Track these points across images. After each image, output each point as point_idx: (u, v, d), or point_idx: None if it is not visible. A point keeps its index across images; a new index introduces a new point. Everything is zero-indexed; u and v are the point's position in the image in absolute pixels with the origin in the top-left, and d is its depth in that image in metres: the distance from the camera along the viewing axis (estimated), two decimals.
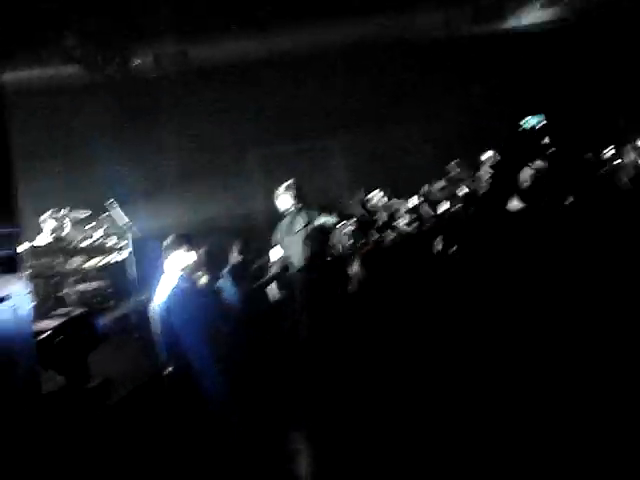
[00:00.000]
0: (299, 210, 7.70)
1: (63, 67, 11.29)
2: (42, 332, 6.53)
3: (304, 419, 5.59)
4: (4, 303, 4.90)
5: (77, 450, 5.12)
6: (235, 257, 8.41)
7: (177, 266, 5.94)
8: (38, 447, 4.86)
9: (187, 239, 6.13)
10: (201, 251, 6.76)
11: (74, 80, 11.59)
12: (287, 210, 7.79)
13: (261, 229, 12.36)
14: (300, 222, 7.61)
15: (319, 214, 7.63)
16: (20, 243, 5.71)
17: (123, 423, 5.82)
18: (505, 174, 8.62)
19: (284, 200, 7.80)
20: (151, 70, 12.28)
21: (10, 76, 6.66)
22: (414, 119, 13.29)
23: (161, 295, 5.85)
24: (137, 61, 11.93)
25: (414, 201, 10.06)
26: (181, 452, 5.18)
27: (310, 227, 7.50)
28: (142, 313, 8.57)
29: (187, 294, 5.82)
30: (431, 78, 13.04)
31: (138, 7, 10.69)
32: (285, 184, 7.86)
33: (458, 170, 10.53)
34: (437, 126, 13.20)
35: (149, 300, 7.41)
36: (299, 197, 7.77)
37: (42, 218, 9.82)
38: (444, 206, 9.68)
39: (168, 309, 5.71)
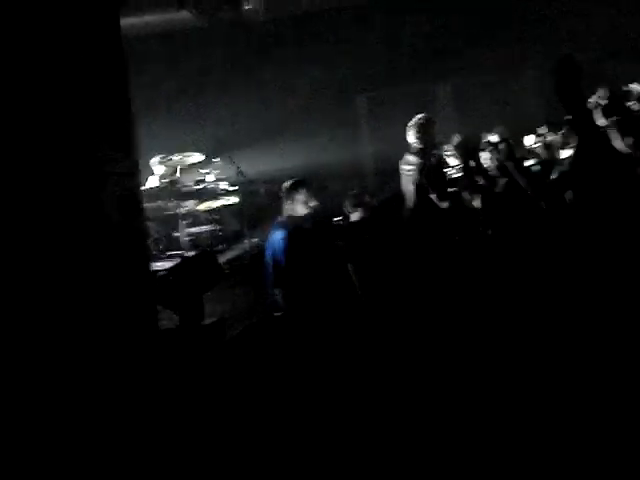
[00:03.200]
0: (416, 151, 7.21)
1: (175, 12, 11.38)
2: (158, 272, 6.73)
3: None
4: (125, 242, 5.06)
5: (191, 385, 5.26)
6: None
7: (295, 210, 5.96)
8: (154, 381, 5.04)
9: (306, 184, 6.12)
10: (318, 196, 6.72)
11: (186, 25, 11.71)
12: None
13: (368, 174, 12.34)
14: (408, 163, 7.24)
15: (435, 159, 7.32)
16: (140, 185, 5.86)
17: (235, 360, 5.95)
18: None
19: (408, 137, 7.27)
20: (261, 14, 12.27)
21: (125, 21, 6.78)
22: (529, 63, 12.86)
23: (276, 238, 5.89)
24: (247, 5, 11.93)
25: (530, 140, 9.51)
26: (287, 390, 5.24)
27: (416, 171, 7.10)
28: (253, 256, 8.74)
29: (303, 238, 5.83)
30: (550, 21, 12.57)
31: None
32: (414, 119, 7.32)
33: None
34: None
35: (260, 243, 7.52)
36: (422, 135, 7.20)
37: (152, 161, 10.03)
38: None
39: (282, 252, 5.75)
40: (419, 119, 7.29)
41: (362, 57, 12.91)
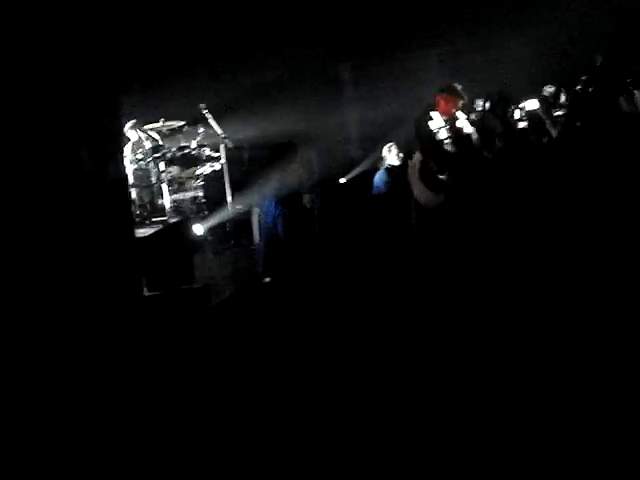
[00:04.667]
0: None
1: None
2: (141, 238, 6.70)
3: None
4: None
5: (174, 349, 5.25)
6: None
7: (281, 176, 5.92)
8: (139, 344, 5.04)
9: (291, 147, 6.08)
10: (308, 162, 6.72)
11: None
12: None
13: (354, 140, 12.30)
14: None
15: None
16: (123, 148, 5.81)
17: (220, 325, 5.94)
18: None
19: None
20: None
21: None
22: (515, 33, 12.82)
23: (264, 205, 5.87)
24: None
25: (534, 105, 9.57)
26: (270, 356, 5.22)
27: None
28: (238, 222, 8.72)
29: (292, 205, 5.81)
30: None
31: None
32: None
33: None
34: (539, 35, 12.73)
35: (244, 210, 7.50)
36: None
37: (128, 126, 9.90)
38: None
39: (270, 219, 5.74)
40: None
41: (348, 22, 12.81)
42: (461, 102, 7.64)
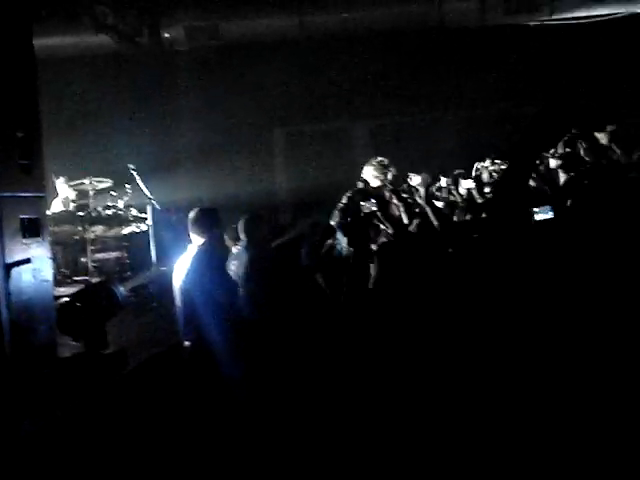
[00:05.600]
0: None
1: (93, 35, 11.26)
2: (60, 298, 6.56)
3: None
4: (26, 266, 4.92)
5: (88, 416, 5.14)
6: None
7: (200, 240, 5.90)
8: (51, 409, 4.90)
9: (212, 213, 6.08)
10: (232, 226, 6.72)
11: (103, 49, 11.59)
12: None
13: (285, 207, 12.38)
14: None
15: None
16: (45, 208, 5.73)
17: (135, 392, 5.83)
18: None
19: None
20: (181, 42, 12.25)
21: (39, 42, 6.67)
22: (442, 105, 13.21)
23: (183, 267, 5.83)
24: (167, 33, 11.90)
25: (468, 184, 9.76)
26: (190, 423, 5.16)
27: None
28: (161, 284, 8.62)
29: (210, 268, 5.78)
30: (457, 65, 12.95)
31: None
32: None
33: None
34: (466, 113, 13.16)
35: (168, 272, 7.43)
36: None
37: (58, 182, 9.82)
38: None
39: (189, 282, 5.69)
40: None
41: (282, 91, 13.01)
42: (390, 175, 7.86)
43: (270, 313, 6.61)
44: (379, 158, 8.01)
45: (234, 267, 6.81)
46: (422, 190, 8.22)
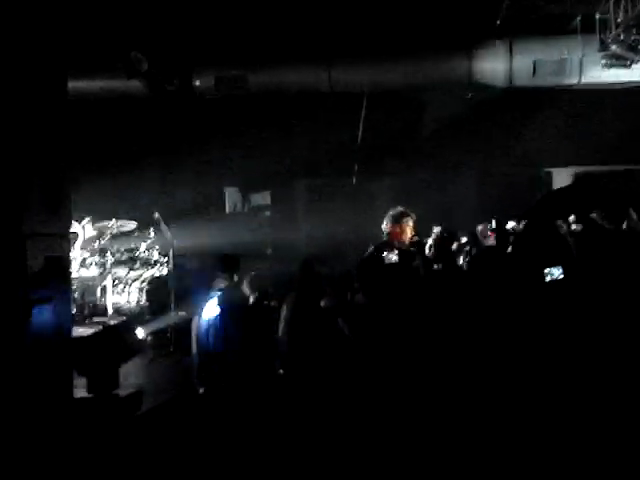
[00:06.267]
0: None
1: (125, 80, 11.44)
2: (78, 338, 6.58)
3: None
4: (48, 304, 4.95)
5: (100, 456, 5.11)
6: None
7: (222, 286, 5.93)
8: (64, 449, 4.88)
9: (235, 261, 6.13)
10: (251, 274, 6.74)
11: (135, 94, 11.75)
12: None
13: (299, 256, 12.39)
14: None
15: None
16: (69, 248, 5.79)
17: (148, 435, 5.81)
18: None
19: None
20: (210, 91, 12.39)
21: (73, 84, 6.82)
22: (461, 166, 13.30)
23: (204, 313, 5.85)
24: (197, 81, 12.06)
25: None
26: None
27: None
28: (179, 329, 8.64)
29: (231, 315, 5.80)
30: (480, 125, 13.04)
31: (205, 28, 10.85)
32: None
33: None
34: (486, 172, 13.25)
35: (188, 316, 7.46)
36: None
37: (83, 224, 9.90)
38: None
39: (209, 328, 5.71)
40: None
41: (306, 144, 13.11)
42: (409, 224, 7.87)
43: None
44: (398, 208, 7.99)
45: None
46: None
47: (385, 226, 7.87)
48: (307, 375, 6.29)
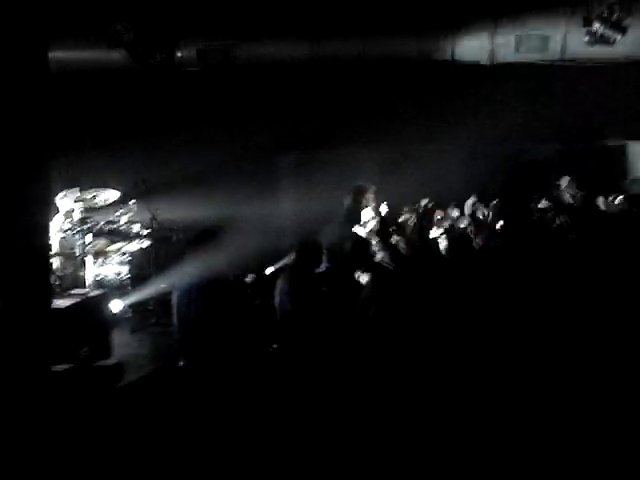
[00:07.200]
0: None
1: (107, 51, 11.33)
2: (57, 309, 6.56)
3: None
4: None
5: (80, 429, 5.12)
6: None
7: (202, 259, 5.91)
8: (43, 422, 4.87)
9: (215, 234, 6.10)
10: (231, 247, 6.73)
11: (117, 65, 11.64)
12: None
13: (288, 231, 12.39)
14: None
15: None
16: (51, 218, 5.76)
17: (128, 407, 5.81)
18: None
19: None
20: (192, 63, 12.30)
21: (54, 55, 6.75)
22: (448, 138, 13.27)
23: (184, 285, 5.84)
24: (180, 53, 11.96)
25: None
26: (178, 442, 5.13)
27: None
28: (161, 301, 8.63)
29: (211, 287, 5.78)
30: (465, 100, 13.04)
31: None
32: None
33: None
34: (470, 147, 13.24)
35: (169, 289, 7.45)
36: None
37: (60, 196, 9.81)
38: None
39: (189, 300, 5.70)
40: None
41: (290, 117, 13.05)
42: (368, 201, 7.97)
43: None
44: (358, 184, 8.12)
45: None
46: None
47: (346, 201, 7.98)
48: (302, 350, 6.29)
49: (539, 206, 9.15)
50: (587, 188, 10.41)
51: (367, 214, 8.43)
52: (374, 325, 6.74)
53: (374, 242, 7.89)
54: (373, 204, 8.18)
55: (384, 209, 8.96)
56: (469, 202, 10.80)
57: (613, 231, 8.07)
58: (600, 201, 9.73)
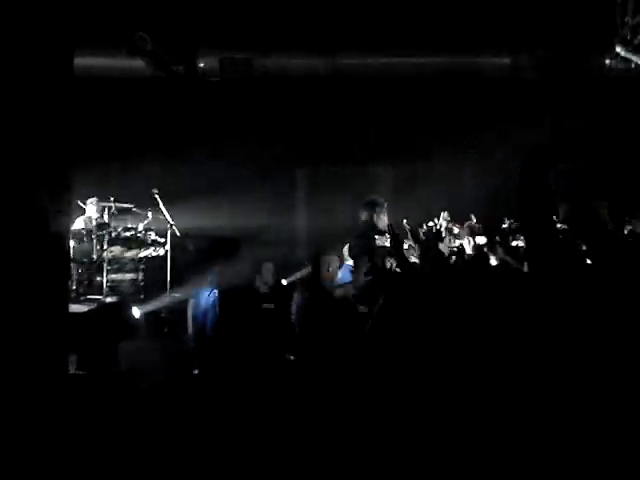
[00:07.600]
0: None
1: (128, 59, 11.38)
2: (73, 315, 6.59)
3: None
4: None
5: (94, 434, 5.12)
6: None
7: (219, 269, 5.93)
8: (56, 427, 4.88)
9: (231, 244, 6.12)
10: (248, 258, 6.76)
11: (138, 74, 11.69)
12: None
13: (304, 244, 12.42)
14: None
15: None
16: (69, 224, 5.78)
17: (141, 414, 5.81)
18: None
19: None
20: (214, 73, 12.35)
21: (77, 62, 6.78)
22: (464, 158, 13.26)
23: (201, 295, 5.86)
24: (202, 63, 12.03)
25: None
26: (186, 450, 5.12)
27: None
28: (174, 310, 8.65)
29: (227, 297, 5.80)
30: (487, 119, 13.01)
31: (212, 11, 10.85)
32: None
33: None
34: (485, 168, 13.21)
35: (183, 298, 7.48)
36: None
37: (87, 202, 9.93)
38: None
39: (205, 310, 5.71)
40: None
41: (308, 131, 13.08)
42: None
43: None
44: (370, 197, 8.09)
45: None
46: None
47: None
48: (318, 362, 6.27)
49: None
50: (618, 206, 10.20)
51: (383, 227, 8.40)
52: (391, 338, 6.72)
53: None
54: (385, 218, 8.13)
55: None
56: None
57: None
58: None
